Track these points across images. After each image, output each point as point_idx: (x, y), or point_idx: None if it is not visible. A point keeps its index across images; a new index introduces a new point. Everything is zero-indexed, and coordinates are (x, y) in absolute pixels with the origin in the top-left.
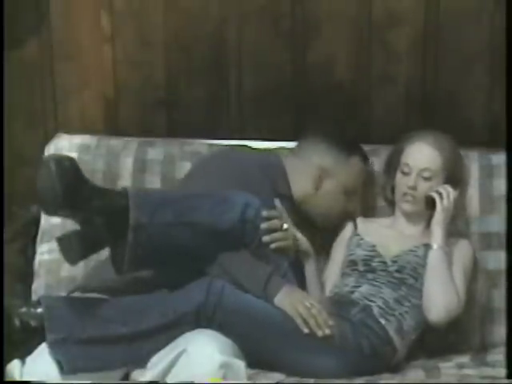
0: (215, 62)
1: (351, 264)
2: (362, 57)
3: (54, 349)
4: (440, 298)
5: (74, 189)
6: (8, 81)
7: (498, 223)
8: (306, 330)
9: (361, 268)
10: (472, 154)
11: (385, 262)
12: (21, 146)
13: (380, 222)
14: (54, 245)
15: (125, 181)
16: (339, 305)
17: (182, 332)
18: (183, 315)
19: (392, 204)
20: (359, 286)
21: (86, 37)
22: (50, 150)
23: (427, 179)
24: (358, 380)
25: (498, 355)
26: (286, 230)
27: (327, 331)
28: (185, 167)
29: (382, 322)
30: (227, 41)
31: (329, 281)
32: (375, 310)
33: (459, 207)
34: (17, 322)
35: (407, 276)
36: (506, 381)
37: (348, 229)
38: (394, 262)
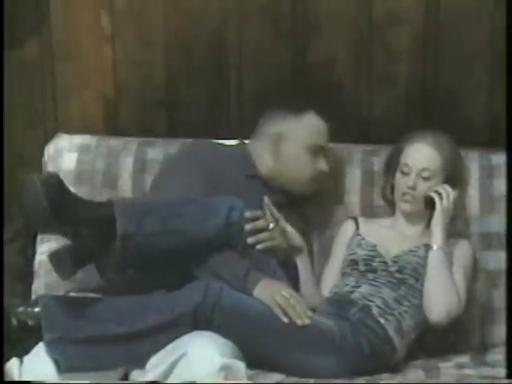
0: (215, 61)
1: (352, 264)
2: (362, 57)
3: (51, 348)
4: (440, 298)
5: (60, 205)
6: (8, 81)
7: (498, 223)
8: (285, 320)
9: (361, 268)
10: (472, 153)
11: (385, 262)
12: (21, 146)
13: (381, 223)
14: (54, 245)
15: (124, 181)
16: (338, 304)
17: (180, 332)
18: (180, 315)
19: (392, 204)
20: (359, 286)
21: (86, 37)
22: (50, 149)
23: (426, 179)
24: (358, 380)
25: (498, 355)
26: (272, 229)
27: (306, 321)
28: None
29: (382, 321)
30: (227, 41)
31: (328, 279)
32: (374, 310)
33: (459, 207)
34: (14, 321)
35: (407, 276)
36: (506, 381)
37: (349, 228)
38: (395, 262)
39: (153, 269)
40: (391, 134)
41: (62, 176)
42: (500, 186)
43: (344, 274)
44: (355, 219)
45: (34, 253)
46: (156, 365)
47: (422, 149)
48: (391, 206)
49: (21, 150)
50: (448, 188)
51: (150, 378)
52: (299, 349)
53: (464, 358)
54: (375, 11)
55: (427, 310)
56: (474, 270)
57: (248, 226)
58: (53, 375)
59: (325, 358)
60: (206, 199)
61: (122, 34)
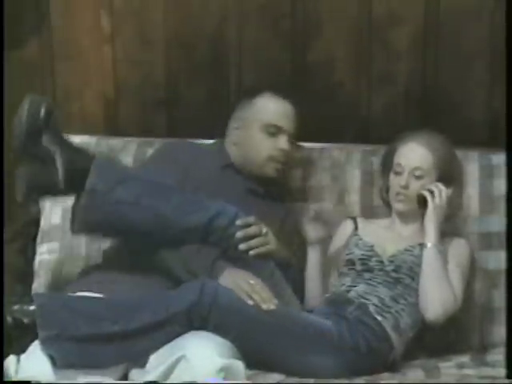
0: (215, 61)
1: (348, 263)
2: (361, 56)
3: (46, 345)
4: (436, 296)
5: (38, 130)
6: (8, 81)
7: (498, 223)
8: (250, 302)
9: (358, 267)
10: (472, 154)
11: (382, 262)
12: None
13: (379, 223)
14: (54, 245)
15: None
16: (335, 304)
17: (175, 331)
18: (175, 314)
19: (389, 205)
20: (355, 286)
21: (86, 37)
22: None
23: (419, 178)
24: (357, 380)
25: (498, 355)
26: (266, 234)
27: (272, 306)
28: None
29: (379, 318)
30: (227, 40)
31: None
32: (371, 308)
33: (456, 206)
34: (9, 319)
35: (403, 275)
36: (506, 381)
37: (348, 228)
38: (391, 261)
39: (119, 239)
40: (391, 134)
41: None
42: (500, 186)
43: (341, 274)
44: (354, 219)
45: (33, 253)
46: (155, 366)
47: (414, 148)
48: (388, 207)
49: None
50: (441, 186)
51: (149, 379)
52: (297, 348)
53: (464, 358)
54: (375, 11)
55: (423, 307)
56: (473, 269)
57: (239, 234)
58: (50, 373)
59: (323, 357)
60: (198, 196)
61: (122, 33)
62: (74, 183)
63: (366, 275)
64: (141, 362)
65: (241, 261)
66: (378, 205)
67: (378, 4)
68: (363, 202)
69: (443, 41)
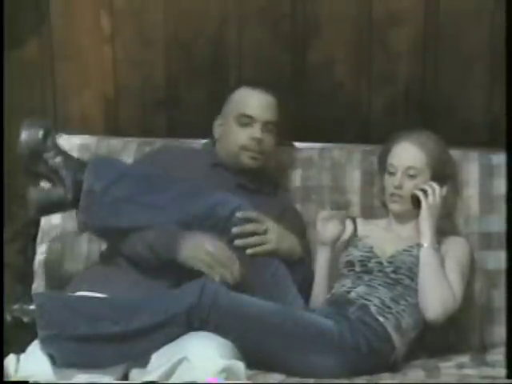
0: (215, 62)
1: (348, 265)
2: (361, 57)
3: (46, 344)
4: (435, 295)
5: (38, 152)
6: (8, 81)
7: (498, 223)
8: (216, 278)
9: (357, 269)
10: (472, 154)
11: (381, 263)
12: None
13: (378, 224)
14: (54, 245)
15: None
16: (337, 304)
17: (174, 332)
18: (175, 315)
19: (386, 205)
20: (355, 287)
21: (86, 37)
22: None
23: (412, 177)
24: (358, 380)
25: (498, 355)
26: (266, 232)
27: (235, 273)
28: None
29: (380, 319)
30: (227, 41)
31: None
32: (372, 309)
33: (451, 205)
34: (9, 318)
35: (403, 276)
36: (506, 381)
37: (347, 229)
38: (390, 262)
39: (113, 235)
40: (391, 134)
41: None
42: (500, 185)
43: (341, 276)
44: (353, 220)
45: (33, 253)
46: (157, 366)
47: (407, 147)
48: (386, 208)
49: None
50: (434, 185)
51: (150, 379)
52: (298, 348)
53: (464, 358)
54: (375, 11)
55: (423, 307)
56: (473, 268)
57: (235, 230)
58: (49, 373)
59: (324, 356)
60: (197, 187)
61: (122, 33)
62: None
63: (366, 277)
64: (141, 362)
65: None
66: (378, 205)
67: (378, 5)
68: (363, 202)
69: (443, 42)
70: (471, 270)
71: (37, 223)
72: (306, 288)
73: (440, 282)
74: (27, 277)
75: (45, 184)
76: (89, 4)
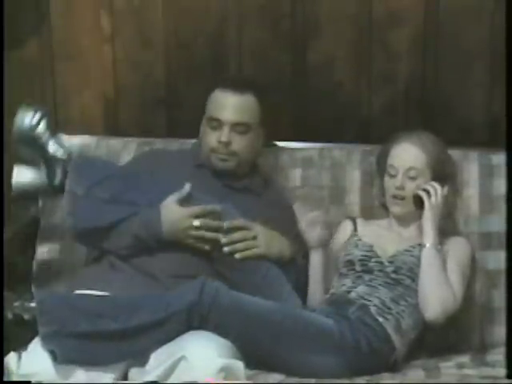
0: (215, 61)
1: (348, 264)
2: (361, 57)
3: (46, 341)
4: (435, 295)
5: (29, 137)
6: (8, 81)
7: (498, 223)
8: (206, 247)
9: (358, 268)
10: (472, 153)
11: (381, 263)
12: None
13: (378, 224)
14: (54, 245)
15: None
16: (337, 304)
17: (174, 330)
18: (174, 313)
19: (386, 207)
20: (355, 287)
21: (86, 37)
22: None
23: (413, 178)
24: (358, 380)
25: (498, 355)
26: (254, 238)
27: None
28: None
29: (380, 319)
30: (227, 41)
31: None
32: (372, 309)
33: (452, 204)
34: (10, 316)
35: (404, 277)
36: (506, 381)
37: (347, 229)
38: (391, 262)
39: (99, 237)
40: (391, 134)
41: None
42: (500, 185)
43: (341, 275)
44: (353, 220)
45: (34, 253)
46: (155, 366)
47: (407, 148)
48: (386, 208)
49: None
50: (436, 185)
51: (149, 379)
52: (298, 347)
53: (464, 358)
54: (375, 11)
55: (422, 307)
56: (473, 268)
57: (224, 240)
58: (50, 370)
59: (324, 356)
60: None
61: (122, 33)
62: None
63: (366, 276)
64: (140, 360)
65: (229, 262)
66: (377, 205)
67: (378, 4)
68: (363, 203)
69: (443, 41)
70: (472, 270)
71: (37, 223)
72: (300, 288)
73: (441, 282)
74: (27, 276)
75: (32, 167)
76: (89, 4)
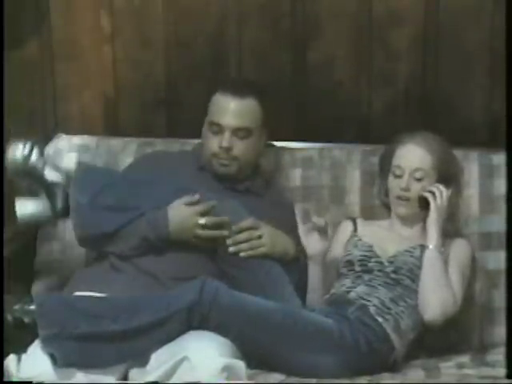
0: (215, 61)
1: (348, 265)
2: (361, 56)
3: (47, 344)
4: (435, 297)
5: (22, 170)
6: (8, 81)
7: (498, 223)
8: (213, 245)
9: (357, 268)
10: (472, 154)
11: (381, 263)
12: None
13: (379, 224)
14: (54, 245)
15: None
16: (336, 304)
17: (174, 330)
18: (175, 313)
19: (388, 207)
20: (355, 287)
21: (86, 37)
22: (50, 149)
23: (419, 180)
24: (359, 380)
25: (498, 355)
26: (259, 238)
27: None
28: None
29: (379, 319)
30: (227, 40)
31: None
32: (371, 309)
33: (455, 206)
34: (9, 318)
35: (403, 277)
36: (506, 381)
37: (347, 229)
38: (391, 262)
39: (110, 245)
40: (391, 134)
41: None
42: (500, 186)
43: (341, 275)
44: (353, 220)
45: (34, 253)
46: (156, 366)
47: (413, 149)
48: (388, 209)
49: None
50: (441, 187)
51: (150, 379)
52: (297, 346)
53: (464, 358)
54: (375, 10)
55: (422, 309)
56: (473, 269)
57: (229, 241)
58: (51, 373)
59: (323, 355)
60: (180, 184)
61: (122, 33)
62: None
63: (366, 276)
64: (141, 361)
65: (233, 260)
66: (377, 205)
67: (378, 3)
68: (363, 203)
69: (443, 40)
70: (472, 271)
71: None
72: (302, 288)
73: (442, 284)
74: (27, 277)
75: (32, 198)
76: (89, 4)
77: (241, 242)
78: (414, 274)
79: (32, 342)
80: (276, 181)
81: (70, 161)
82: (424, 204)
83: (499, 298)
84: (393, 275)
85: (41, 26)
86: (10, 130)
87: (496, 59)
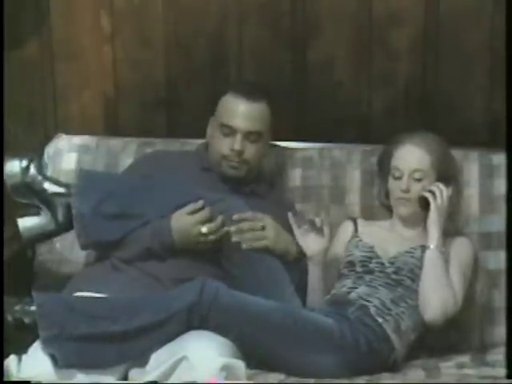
0: (215, 61)
1: (349, 265)
2: (361, 56)
3: (47, 345)
4: (435, 297)
5: (22, 187)
6: (8, 81)
7: (498, 223)
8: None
9: (358, 269)
10: (472, 154)
11: (382, 263)
12: (21, 146)
13: (380, 225)
14: (54, 245)
15: None
16: (337, 304)
17: (174, 331)
18: (175, 314)
19: (389, 208)
20: (356, 287)
21: (86, 37)
22: (50, 150)
23: (419, 180)
24: (358, 380)
25: (498, 355)
26: (263, 229)
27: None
28: None
29: (380, 320)
30: (227, 40)
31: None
32: (372, 310)
33: (456, 205)
34: (10, 319)
35: (404, 277)
36: (506, 381)
37: (348, 229)
38: (392, 263)
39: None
40: (391, 134)
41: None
42: (500, 186)
43: (341, 276)
44: (354, 220)
45: (34, 253)
46: (156, 366)
47: (411, 150)
48: (389, 210)
49: (21, 150)
50: (441, 186)
51: (150, 379)
52: (297, 346)
53: (464, 358)
54: (375, 10)
55: (423, 309)
56: (475, 268)
57: (232, 229)
58: (51, 373)
59: (323, 355)
60: (187, 188)
61: (122, 33)
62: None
63: (367, 277)
64: (141, 361)
65: (235, 258)
66: (377, 205)
67: (378, 3)
68: (363, 203)
69: (443, 41)
70: (473, 271)
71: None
72: (302, 288)
73: (442, 284)
74: (27, 277)
75: (34, 213)
76: (89, 4)
77: (244, 231)
78: (415, 275)
79: (32, 342)
80: (277, 182)
81: (69, 161)
82: (425, 204)
83: (499, 298)
84: (394, 276)
85: (41, 26)
86: (10, 130)
87: (496, 60)
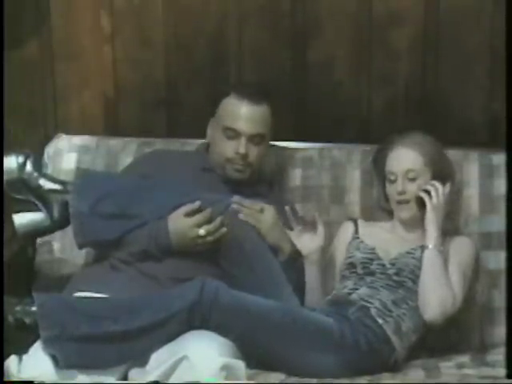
0: (215, 61)
1: (350, 267)
2: (361, 56)
3: (48, 345)
4: (435, 297)
5: (19, 183)
6: (8, 81)
7: (498, 223)
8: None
9: (360, 271)
10: (472, 154)
11: (383, 265)
12: (21, 146)
13: (381, 226)
14: (54, 245)
15: None
16: (337, 305)
17: (175, 330)
18: (176, 314)
19: (389, 212)
20: (357, 289)
21: (86, 37)
22: (50, 150)
23: (413, 180)
24: (359, 380)
25: (498, 355)
26: (261, 211)
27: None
28: None
29: (380, 321)
30: (227, 40)
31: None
32: (373, 311)
33: (454, 203)
34: (11, 319)
35: (406, 279)
36: (506, 381)
37: (349, 231)
38: (393, 264)
39: (112, 250)
40: (391, 134)
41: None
42: (500, 186)
43: (342, 277)
44: (354, 221)
45: (34, 253)
46: (156, 366)
47: (403, 152)
48: (389, 214)
49: (21, 150)
50: (437, 184)
51: (150, 379)
52: (298, 345)
53: (464, 358)
54: (375, 10)
55: (422, 308)
56: (476, 267)
57: (234, 206)
58: (52, 373)
59: (323, 354)
60: (184, 188)
61: (122, 33)
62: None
63: (368, 278)
64: (141, 361)
65: (234, 257)
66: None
67: (378, 3)
68: (363, 203)
69: (443, 41)
70: (473, 271)
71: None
72: (300, 288)
73: (441, 284)
74: (28, 277)
75: (30, 209)
76: (89, 4)
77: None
78: (416, 276)
79: (33, 342)
80: (277, 182)
81: (69, 161)
82: (422, 203)
83: (499, 298)
84: (395, 277)
85: (41, 26)
86: (10, 130)
87: (496, 60)
